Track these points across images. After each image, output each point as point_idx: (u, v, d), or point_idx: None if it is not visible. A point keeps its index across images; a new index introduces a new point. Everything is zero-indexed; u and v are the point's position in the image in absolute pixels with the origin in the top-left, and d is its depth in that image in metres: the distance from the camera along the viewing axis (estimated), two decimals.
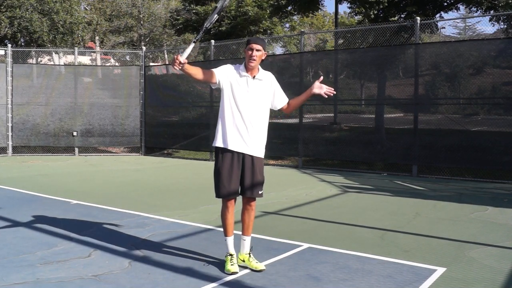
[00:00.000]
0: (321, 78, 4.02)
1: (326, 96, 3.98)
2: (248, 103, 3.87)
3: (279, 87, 4.07)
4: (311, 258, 4.27)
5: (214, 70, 3.90)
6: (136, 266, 4.02)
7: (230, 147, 3.85)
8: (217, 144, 3.90)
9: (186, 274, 3.82)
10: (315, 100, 11.90)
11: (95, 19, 24.97)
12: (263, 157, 4.00)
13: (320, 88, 3.98)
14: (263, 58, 3.92)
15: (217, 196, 3.91)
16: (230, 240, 3.97)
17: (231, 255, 3.93)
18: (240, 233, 4.06)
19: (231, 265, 3.86)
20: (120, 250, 4.45)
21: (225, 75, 3.90)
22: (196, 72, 3.77)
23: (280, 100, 4.08)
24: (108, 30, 30.42)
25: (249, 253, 4.00)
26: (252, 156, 3.90)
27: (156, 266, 4.01)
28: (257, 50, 3.85)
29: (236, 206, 3.99)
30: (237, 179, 3.87)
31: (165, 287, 3.55)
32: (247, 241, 4.01)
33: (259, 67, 3.97)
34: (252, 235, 4.12)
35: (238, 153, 3.87)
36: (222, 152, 3.88)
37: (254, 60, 3.85)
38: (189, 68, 3.69)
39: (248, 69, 3.91)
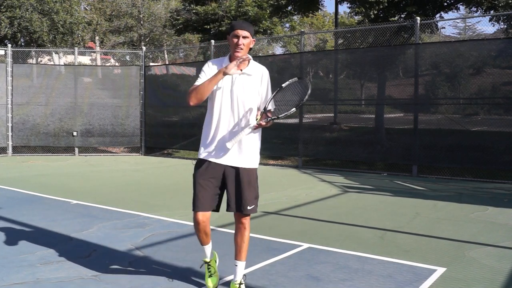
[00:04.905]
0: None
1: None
2: (233, 104, 3.23)
3: (269, 89, 3.36)
4: (311, 258, 4.27)
5: (197, 82, 3.25)
6: (136, 266, 4.02)
7: (208, 158, 3.30)
8: (198, 155, 3.41)
9: (186, 274, 3.82)
10: (315, 100, 11.91)
11: (95, 19, 25.00)
12: (253, 167, 3.33)
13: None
14: (251, 46, 3.24)
15: (193, 208, 3.42)
16: (207, 247, 3.52)
17: (206, 262, 3.51)
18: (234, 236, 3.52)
19: (209, 276, 3.48)
20: (120, 250, 4.45)
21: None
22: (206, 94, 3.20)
23: (262, 104, 3.32)
24: (108, 30, 30.44)
25: (240, 284, 3.36)
26: (236, 168, 3.28)
27: (156, 266, 4.01)
28: (244, 37, 3.17)
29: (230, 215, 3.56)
30: (211, 193, 3.32)
31: (165, 287, 3.55)
32: (239, 268, 3.38)
33: (250, 57, 3.26)
34: (252, 235, 4.09)
35: (220, 164, 3.29)
36: (200, 162, 3.37)
37: (242, 49, 3.17)
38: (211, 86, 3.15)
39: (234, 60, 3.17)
